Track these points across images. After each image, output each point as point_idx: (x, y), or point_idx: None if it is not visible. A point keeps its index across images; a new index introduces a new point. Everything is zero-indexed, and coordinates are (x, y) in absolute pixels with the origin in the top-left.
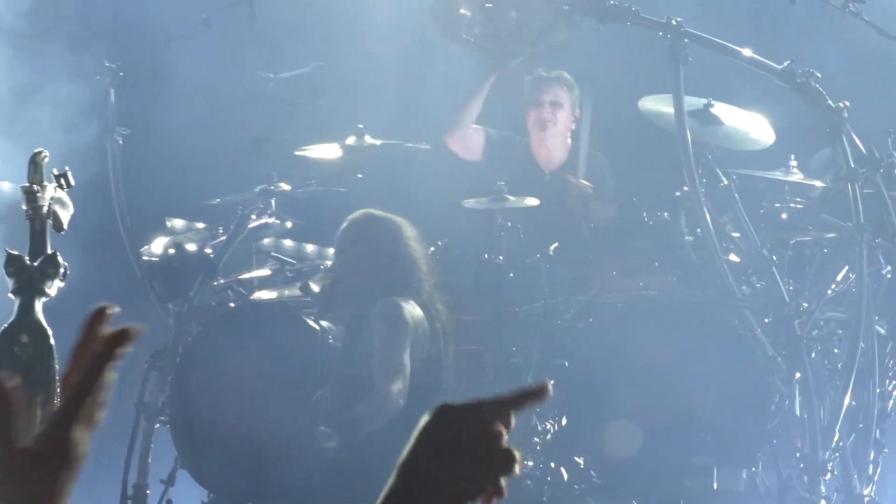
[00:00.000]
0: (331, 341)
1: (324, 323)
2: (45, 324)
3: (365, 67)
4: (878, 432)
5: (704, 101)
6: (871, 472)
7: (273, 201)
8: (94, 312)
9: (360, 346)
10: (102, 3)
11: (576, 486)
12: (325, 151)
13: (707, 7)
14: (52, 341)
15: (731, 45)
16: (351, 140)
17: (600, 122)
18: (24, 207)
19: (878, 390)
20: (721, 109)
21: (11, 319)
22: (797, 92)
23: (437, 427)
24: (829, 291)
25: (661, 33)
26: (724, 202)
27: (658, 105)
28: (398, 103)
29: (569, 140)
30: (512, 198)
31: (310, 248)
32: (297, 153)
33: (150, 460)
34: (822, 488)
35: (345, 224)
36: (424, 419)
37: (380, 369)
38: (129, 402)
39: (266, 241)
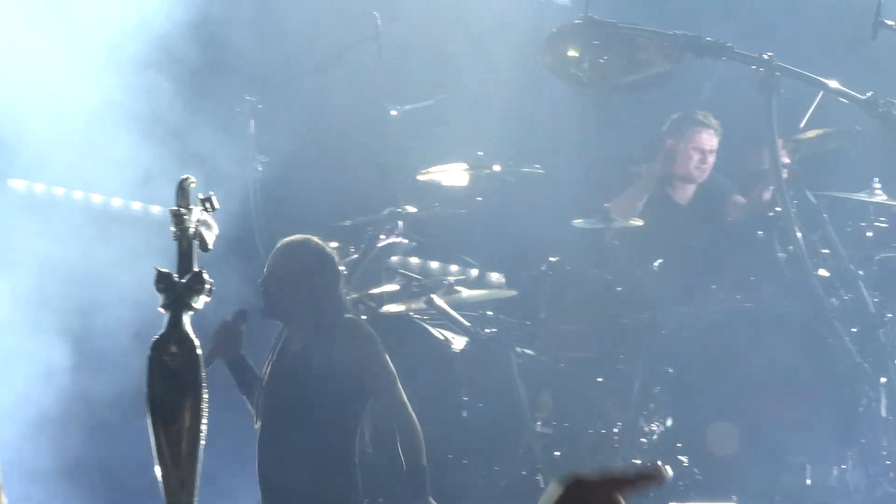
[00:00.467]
0: (452, 349)
1: (446, 333)
2: (192, 335)
3: (482, 99)
4: None
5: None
6: None
7: (400, 222)
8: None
9: (319, 363)
10: (243, 43)
11: (680, 483)
12: (447, 176)
13: (791, 40)
14: (199, 351)
15: (817, 78)
16: (470, 165)
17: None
18: (172, 229)
19: None
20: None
21: (161, 331)
22: (879, 120)
23: (570, 497)
24: None
25: (754, 67)
26: (813, 222)
27: None
28: (513, 131)
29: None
30: (618, 218)
31: (433, 264)
32: (421, 178)
33: None
34: None
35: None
36: (557, 489)
37: (391, 384)
38: None
39: (394, 259)
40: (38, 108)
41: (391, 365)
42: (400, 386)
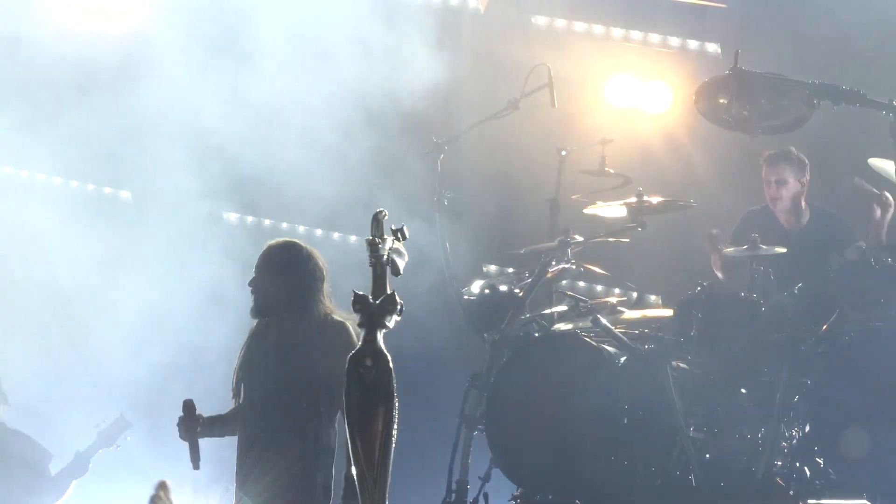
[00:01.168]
0: (615, 363)
1: (610, 349)
2: (385, 351)
3: (642, 142)
4: None
5: None
6: None
7: (569, 250)
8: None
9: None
10: (431, 97)
11: (816, 482)
12: (612, 209)
13: None
14: (391, 365)
15: None
16: (632, 200)
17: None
18: (368, 257)
19: None
20: None
21: (358, 347)
22: None
23: None
24: None
25: (884, 112)
26: None
27: (884, 164)
28: (670, 169)
29: (803, 203)
30: (764, 247)
31: (598, 288)
32: (588, 211)
33: (469, 461)
34: None
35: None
36: None
37: None
38: (452, 414)
39: (563, 282)
40: (274, 150)
41: None
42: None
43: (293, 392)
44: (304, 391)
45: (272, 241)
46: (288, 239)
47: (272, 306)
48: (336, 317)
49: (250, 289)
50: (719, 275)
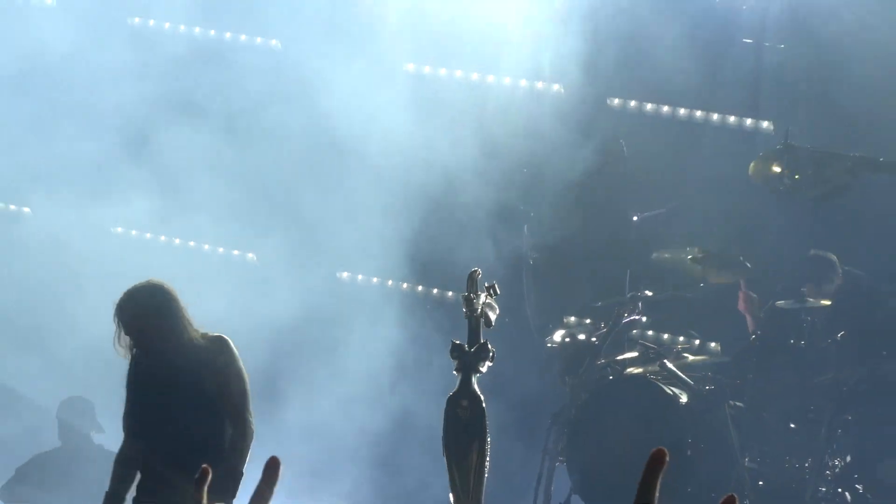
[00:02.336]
0: (680, 402)
1: (675, 389)
2: (479, 393)
3: (704, 207)
4: None
5: None
6: None
7: (640, 303)
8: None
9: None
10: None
11: None
12: (678, 265)
13: None
14: (484, 405)
15: None
16: (696, 255)
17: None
18: (463, 310)
19: None
20: None
21: (455, 389)
22: None
23: None
24: None
25: None
26: None
27: None
28: (726, 232)
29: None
30: (811, 299)
31: (665, 336)
32: (656, 260)
33: (552, 489)
34: None
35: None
36: None
37: (244, 400)
38: (536, 449)
39: (634, 332)
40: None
41: (244, 376)
42: (248, 398)
43: (195, 416)
44: (202, 412)
45: (133, 285)
46: (146, 280)
47: (142, 338)
48: (211, 334)
49: (130, 333)
50: (750, 326)
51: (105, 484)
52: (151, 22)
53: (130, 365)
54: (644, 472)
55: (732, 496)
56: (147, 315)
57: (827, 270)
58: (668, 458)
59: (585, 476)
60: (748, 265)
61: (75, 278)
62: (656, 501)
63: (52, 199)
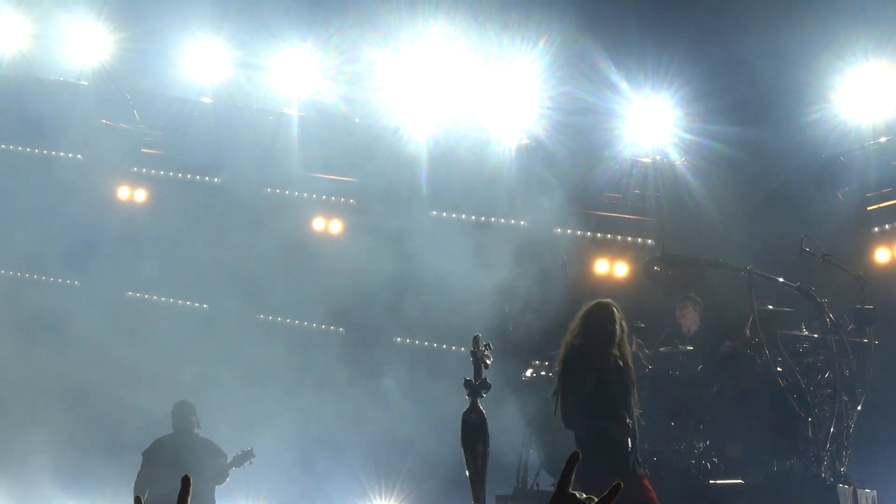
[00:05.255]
0: None
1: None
2: (482, 409)
3: (614, 294)
4: None
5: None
6: None
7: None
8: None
9: None
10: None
11: (713, 471)
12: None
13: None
14: (486, 417)
15: (771, 275)
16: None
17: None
18: (471, 358)
19: None
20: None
21: (467, 407)
22: (805, 297)
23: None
24: None
25: (742, 273)
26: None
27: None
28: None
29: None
30: (681, 346)
31: None
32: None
33: (527, 466)
34: None
35: None
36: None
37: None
38: (518, 441)
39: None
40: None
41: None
42: None
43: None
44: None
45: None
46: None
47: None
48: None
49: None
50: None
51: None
52: None
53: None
54: (565, 465)
55: (619, 484)
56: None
57: (691, 325)
58: (580, 457)
59: (549, 458)
60: (643, 325)
61: None
62: (571, 483)
63: None
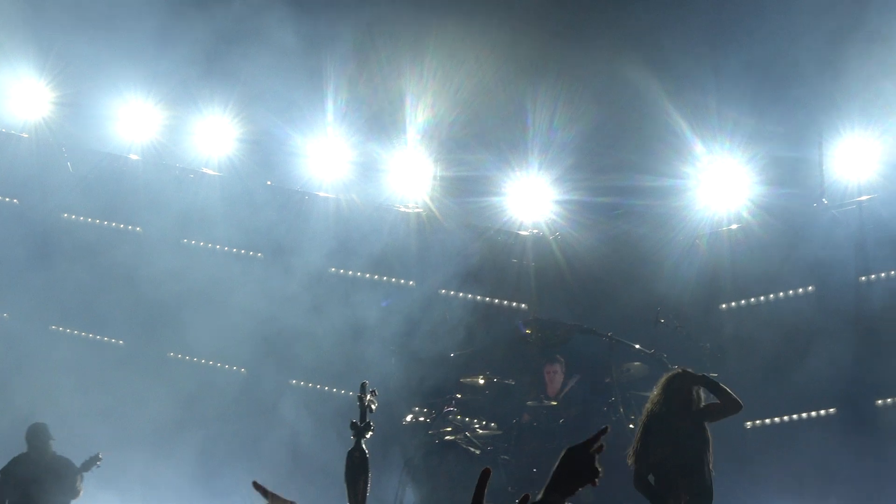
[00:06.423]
0: (475, 453)
1: (472, 448)
2: (365, 448)
3: (490, 352)
4: None
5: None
6: None
7: (453, 402)
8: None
9: None
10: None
11: None
12: (476, 384)
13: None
14: (367, 455)
15: (628, 342)
16: (487, 377)
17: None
18: (357, 403)
19: None
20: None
21: (352, 447)
22: (657, 364)
23: (565, 461)
24: None
25: (604, 338)
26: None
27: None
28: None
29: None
30: (545, 401)
31: (467, 419)
32: (463, 382)
33: (403, 500)
34: None
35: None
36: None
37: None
38: (395, 478)
39: (450, 416)
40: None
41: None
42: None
43: None
44: None
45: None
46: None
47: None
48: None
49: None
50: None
51: None
52: None
53: None
54: (477, 483)
55: (606, 427)
56: None
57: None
58: (491, 473)
59: (422, 491)
60: (513, 383)
61: None
62: (483, 499)
63: None
